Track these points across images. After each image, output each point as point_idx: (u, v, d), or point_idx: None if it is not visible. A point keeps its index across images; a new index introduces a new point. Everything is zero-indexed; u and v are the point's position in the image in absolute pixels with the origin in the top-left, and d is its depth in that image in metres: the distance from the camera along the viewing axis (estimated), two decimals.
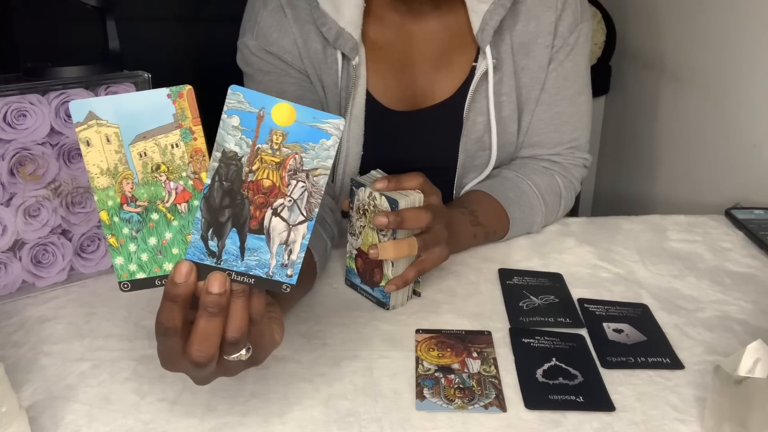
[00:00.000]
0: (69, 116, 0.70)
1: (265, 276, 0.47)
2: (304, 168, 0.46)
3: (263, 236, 0.47)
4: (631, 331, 0.67)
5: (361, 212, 0.70)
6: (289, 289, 0.48)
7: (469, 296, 0.73)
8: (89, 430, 0.53)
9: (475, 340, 0.65)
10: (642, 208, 1.54)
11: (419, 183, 0.68)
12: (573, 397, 0.57)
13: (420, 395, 0.57)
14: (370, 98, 0.88)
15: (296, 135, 0.45)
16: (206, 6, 1.60)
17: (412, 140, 0.90)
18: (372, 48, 0.87)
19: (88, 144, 0.45)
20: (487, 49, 0.83)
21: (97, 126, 0.45)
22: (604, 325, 0.68)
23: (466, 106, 0.86)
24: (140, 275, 0.47)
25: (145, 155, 0.46)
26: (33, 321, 0.68)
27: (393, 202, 0.66)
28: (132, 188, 0.46)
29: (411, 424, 0.54)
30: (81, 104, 0.44)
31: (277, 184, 0.46)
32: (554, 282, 0.76)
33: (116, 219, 0.46)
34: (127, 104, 0.45)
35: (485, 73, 0.85)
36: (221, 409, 0.55)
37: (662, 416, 0.55)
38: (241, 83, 0.93)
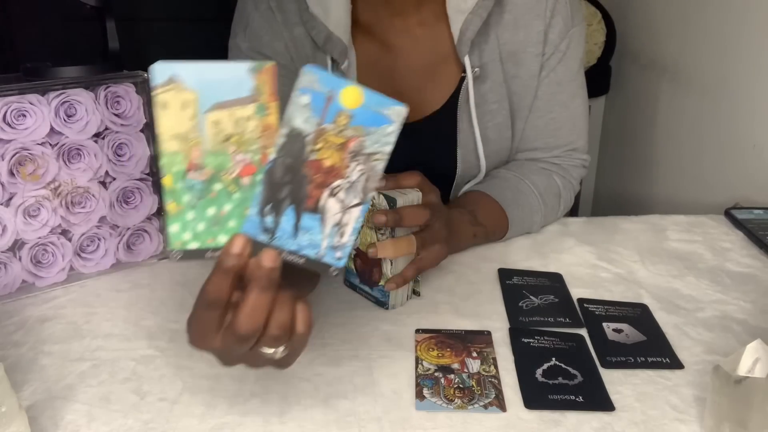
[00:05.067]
0: (69, 116, 0.70)
1: (315, 257, 0.48)
2: (364, 151, 0.47)
3: (317, 216, 0.47)
4: (630, 331, 0.67)
5: None
6: (336, 273, 0.48)
7: (469, 296, 0.73)
8: (89, 430, 0.53)
9: (474, 340, 0.65)
10: (642, 208, 1.54)
11: (417, 181, 0.68)
12: (573, 397, 0.57)
13: (420, 395, 0.57)
14: None
15: (361, 118, 0.46)
16: (206, 6, 1.60)
17: (409, 151, 0.89)
18: (359, 61, 0.86)
19: (164, 106, 0.45)
20: (466, 59, 0.83)
21: (176, 90, 0.45)
22: (604, 325, 0.68)
23: (458, 116, 0.86)
24: (193, 245, 0.47)
25: (218, 125, 0.46)
26: (33, 321, 0.68)
27: (391, 201, 0.66)
28: (200, 156, 0.46)
29: (411, 424, 0.54)
30: (164, 66, 0.44)
31: (337, 165, 0.47)
32: (554, 282, 0.76)
33: (179, 185, 0.46)
34: (209, 73, 0.45)
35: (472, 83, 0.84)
36: (221, 409, 0.55)
37: (662, 416, 0.55)
38: None
